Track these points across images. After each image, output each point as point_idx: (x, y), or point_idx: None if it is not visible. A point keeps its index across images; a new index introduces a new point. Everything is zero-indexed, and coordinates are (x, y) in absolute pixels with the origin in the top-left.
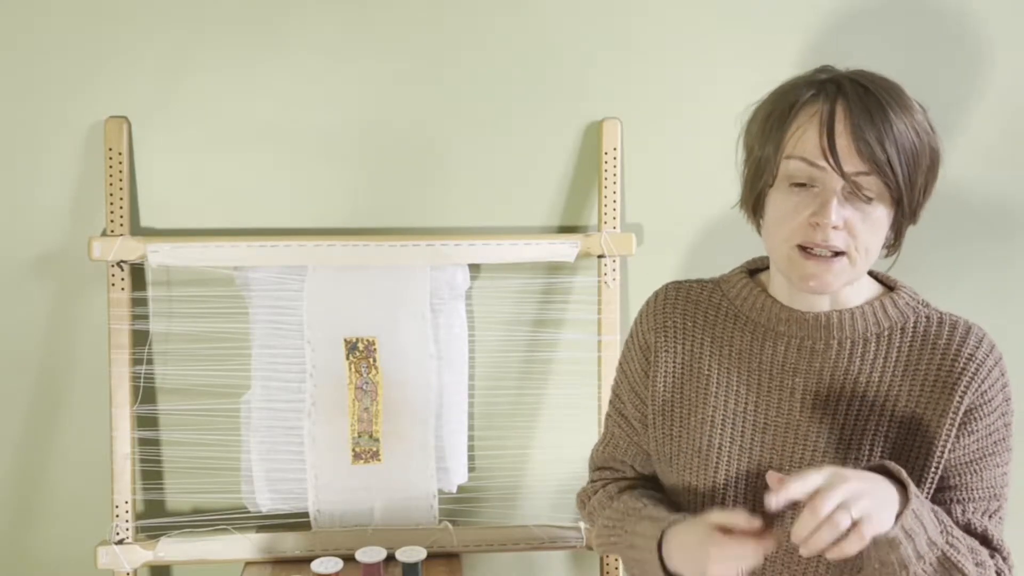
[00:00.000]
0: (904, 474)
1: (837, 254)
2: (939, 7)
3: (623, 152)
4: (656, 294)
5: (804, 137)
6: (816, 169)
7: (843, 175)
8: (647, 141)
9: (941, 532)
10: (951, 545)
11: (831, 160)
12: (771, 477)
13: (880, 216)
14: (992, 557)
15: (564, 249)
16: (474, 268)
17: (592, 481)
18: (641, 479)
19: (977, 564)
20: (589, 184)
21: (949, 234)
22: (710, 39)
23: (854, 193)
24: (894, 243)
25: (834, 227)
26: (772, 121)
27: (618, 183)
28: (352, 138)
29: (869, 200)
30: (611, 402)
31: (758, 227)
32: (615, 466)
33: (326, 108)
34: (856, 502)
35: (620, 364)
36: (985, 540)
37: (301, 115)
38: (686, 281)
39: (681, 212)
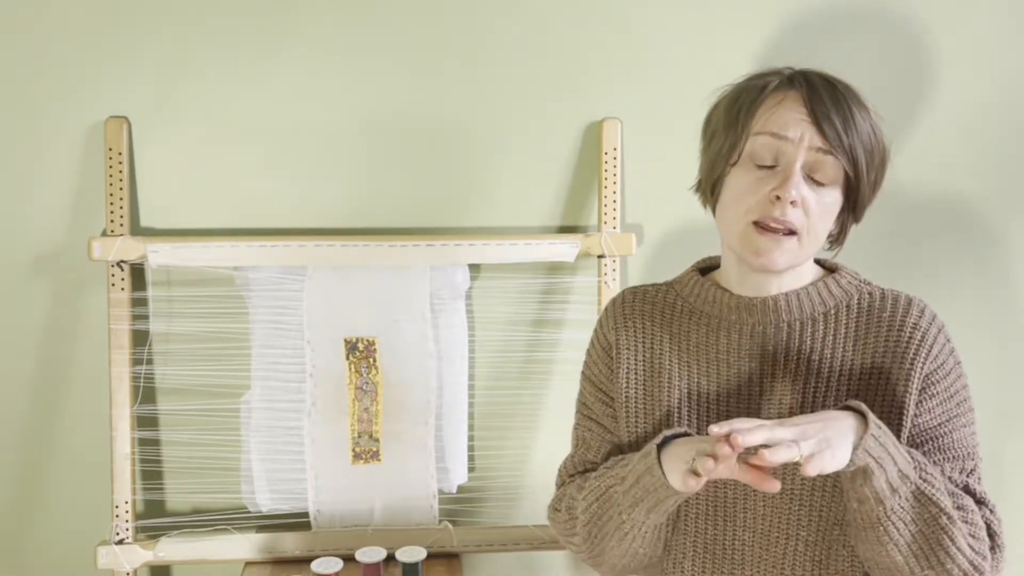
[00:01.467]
0: (864, 407)
1: (789, 233)
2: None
3: (623, 152)
4: (614, 299)
5: (773, 115)
6: (783, 142)
7: (819, 128)
8: (647, 141)
9: (914, 467)
10: (924, 480)
11: (813, 123)
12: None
13: (832, 202)
14: (980, 506)
15: (564, 249)
16: (474, 268)
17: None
18: None
19: (959, 507)
20: (589, 184)
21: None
22: (711, 39)
23: (811, 176)
24: (837, 237)
25: (792, 203)
26: (740, 103)
27: (618, 183)
28: (352, 138)
29: (823, 184)
30: (577, 412)
31: (713, 209)
32: (583, 470)
33: (326, 108)
34: (805, 440)
35: (583, 372)
36: (968, 493)
37: (301, 115)
38: (642, 285)
39: (681, 212)
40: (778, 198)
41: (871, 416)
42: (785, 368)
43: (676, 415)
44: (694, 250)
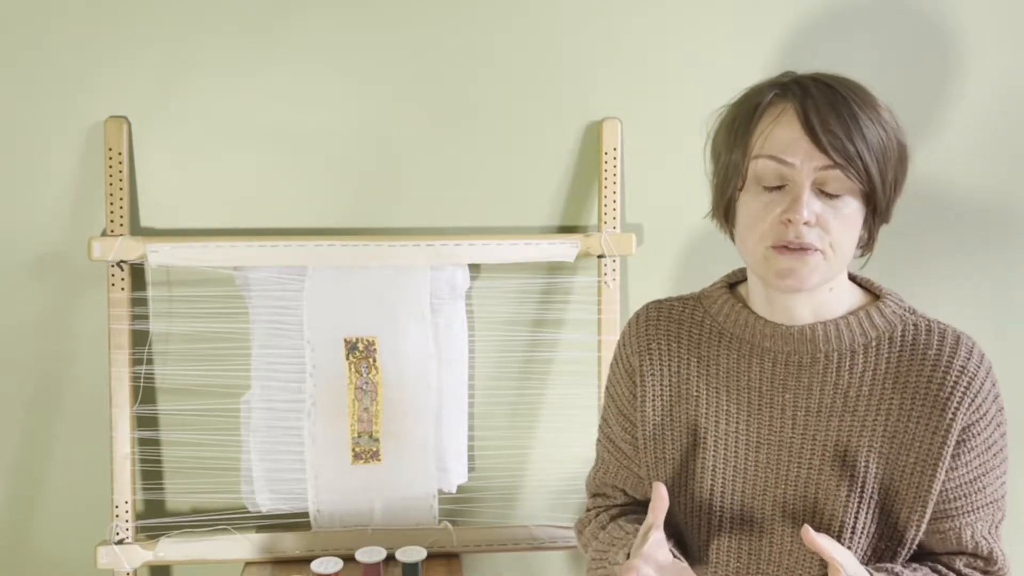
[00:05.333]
0: None
1: (811, 249)
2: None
3: (623, 152)
4: (637, 315)
5: (771, 135)
6: (785, 166)
7: (819, 145)
8: (647, 141)
9: None
10: None
11: (811, 140)
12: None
13: (852, 213)
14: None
15: (564, 249)
16: (474, 268)
17: (588, 509)
18: (634, 504)
19: None
20: (589, 184)
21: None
22: (710, 39)
23: (823, 191)
24: (867, 242)
25: (806, 223)
26: (737, 125)
27: (618, 183)
28: (352, 138)
29: (838, 196)
30: (600, 427)
31: (731, 235)
32: (607, 492)
33: (326, 108)
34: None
35: (607, 388)
36: (990, 559)
37: (301, 115)
38: (667, 300)
39: (681, 212)
40: (790, 221)
41: None
42: (820, 402)
43: (702, 445)
44: (694, 250)
